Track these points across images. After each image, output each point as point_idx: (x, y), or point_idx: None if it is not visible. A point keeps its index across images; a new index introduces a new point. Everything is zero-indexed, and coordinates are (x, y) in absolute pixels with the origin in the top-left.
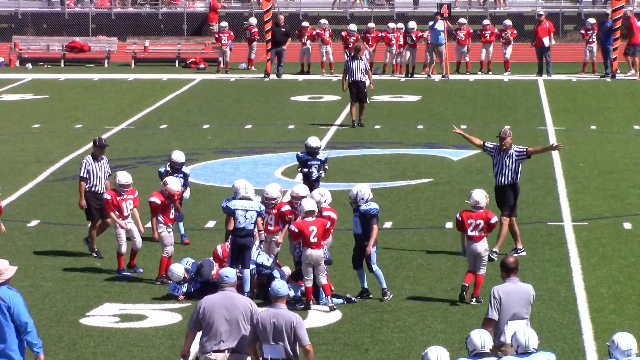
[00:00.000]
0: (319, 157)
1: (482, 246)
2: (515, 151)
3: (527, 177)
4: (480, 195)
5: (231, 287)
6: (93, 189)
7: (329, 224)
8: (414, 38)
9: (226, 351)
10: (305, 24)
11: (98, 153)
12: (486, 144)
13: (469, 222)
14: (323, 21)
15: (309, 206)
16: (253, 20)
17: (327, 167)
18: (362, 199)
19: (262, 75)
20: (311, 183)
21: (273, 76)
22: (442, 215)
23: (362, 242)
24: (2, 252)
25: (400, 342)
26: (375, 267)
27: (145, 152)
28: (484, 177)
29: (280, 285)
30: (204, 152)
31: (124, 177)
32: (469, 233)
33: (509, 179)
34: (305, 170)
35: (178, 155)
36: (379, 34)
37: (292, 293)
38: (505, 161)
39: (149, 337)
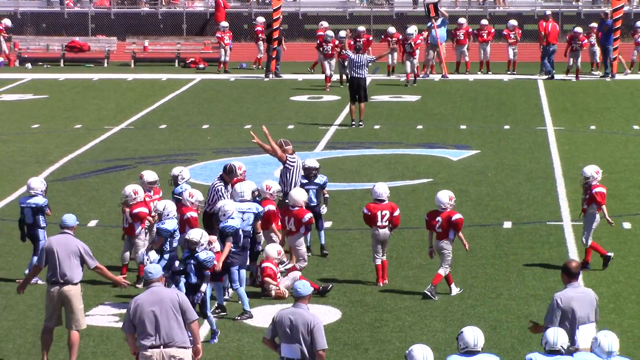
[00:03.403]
0: (316, 180)
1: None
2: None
3: (526, 177)
4: (593, 170)
5: (157, 282)
6: None
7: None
8: (413, 45)
9: (161, 346)
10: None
11: (228, 180)
12: (288, 157)
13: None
14: (329, 33)
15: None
16: (260, 19)
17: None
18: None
19: (262, 75)
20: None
21: (272, 76)
22: None
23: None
24: (3, 252)
25: (400, 341)
26: (236, 285)
27: (144, 152)
28: (483, 177)
29: (301, 285)
30: (204, 152)
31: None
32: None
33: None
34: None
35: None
36: (370, 38)
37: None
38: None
39: None
